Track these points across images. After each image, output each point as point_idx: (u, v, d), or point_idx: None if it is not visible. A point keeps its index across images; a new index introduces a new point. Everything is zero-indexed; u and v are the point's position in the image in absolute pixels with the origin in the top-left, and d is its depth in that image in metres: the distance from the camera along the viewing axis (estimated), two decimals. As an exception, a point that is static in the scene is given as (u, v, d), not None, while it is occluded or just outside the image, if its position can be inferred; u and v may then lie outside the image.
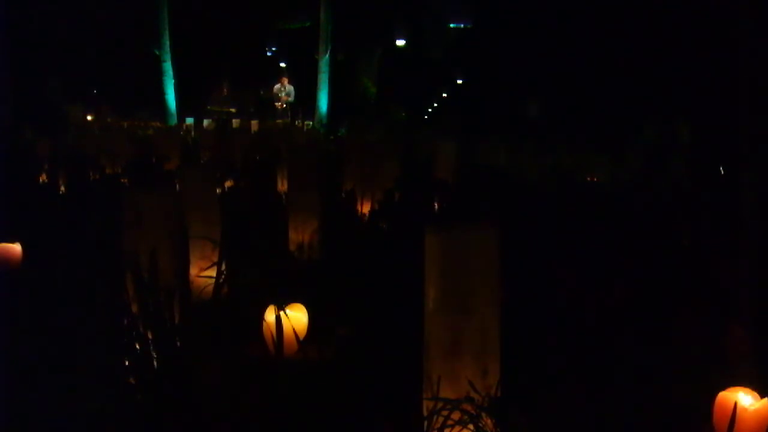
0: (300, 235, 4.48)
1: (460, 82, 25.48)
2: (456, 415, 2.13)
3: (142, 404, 2.41)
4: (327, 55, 17.31)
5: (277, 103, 16.41)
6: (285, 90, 16.34)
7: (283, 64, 21.58)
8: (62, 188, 7.04)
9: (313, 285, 3.50)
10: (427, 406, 2.20)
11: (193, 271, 3.52)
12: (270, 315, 2.92)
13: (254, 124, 14.87)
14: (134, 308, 2.60)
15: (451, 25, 24.05)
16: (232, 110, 16.20)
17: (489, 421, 2.13)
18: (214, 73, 17.28)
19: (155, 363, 2.50)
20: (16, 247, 4.05)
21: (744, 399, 2.28)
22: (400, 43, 22.56)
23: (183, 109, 17.29)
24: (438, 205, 6.06)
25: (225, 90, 16.47)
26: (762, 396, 2.29)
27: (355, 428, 2.39)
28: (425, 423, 2.17)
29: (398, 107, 20.98)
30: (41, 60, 15.93)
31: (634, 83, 15.28)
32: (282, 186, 6.86)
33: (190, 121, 16.29)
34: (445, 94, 26.29)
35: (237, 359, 2.61)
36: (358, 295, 3.52)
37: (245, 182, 7.22)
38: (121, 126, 15.35)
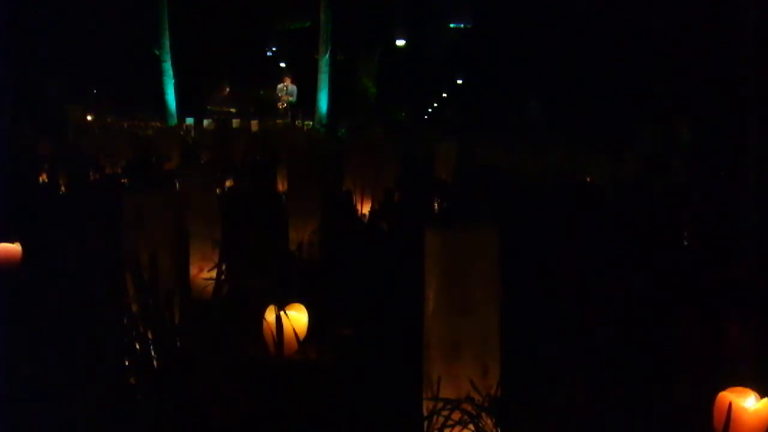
0: (300, 235, 4.47)
1: (460, 82, 25.48)
2: (456, 415, 2.13)
3: (142, 404, 2.41)
4: (327, 55, 17.29)
5: (278, 103, 16.40)
6: (287, 90, 16.32)
7: (282, 64, 21.57)
8: (62, 188, 7.04)
9: (313, 285, 3.50)
10: (427, 406, 2.20)
11: (193, 271, 3.53)
12: (270, 315, 2.93)
13: (254, 124, 14.86)
14: (134, 308, 2.60)
15: (451, 25, 24.06)
16: (232, 110, 16.17)
17: (489, 421, 2.13)
18: (214, 73, 17.26)
19: (155, 363, 2.50)
20: (16, 247, 4.04)
21: (744, 399, 2.28)
22: (400, 43, 22.55)
23: (183, 109, 17.27)
24: (438, 205, 6.06)
25: (225, 90, 16.45)
26: (762, 396, 2.29)
27: (355, 428, 2.39)
28: (425, 423, 2.17)
29: (398, 107, 20.97)
30: (41, 60, 15.92)
31: (634, 83, 15.27)
32: (282, 186, 6.85)
33: (190, 121, 16.27)
34: (445, 94, 26.29)
35: (237, 359, 2.60)
36: (358, 295, 3.52)
37: (245, 182, 7.22)
38: (121, 126, 15.36)
